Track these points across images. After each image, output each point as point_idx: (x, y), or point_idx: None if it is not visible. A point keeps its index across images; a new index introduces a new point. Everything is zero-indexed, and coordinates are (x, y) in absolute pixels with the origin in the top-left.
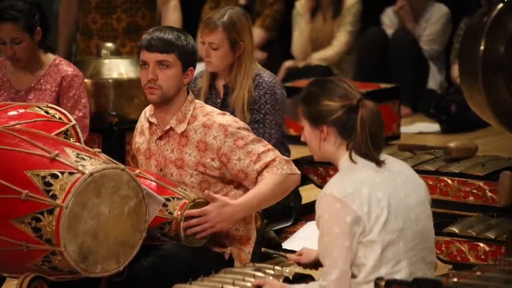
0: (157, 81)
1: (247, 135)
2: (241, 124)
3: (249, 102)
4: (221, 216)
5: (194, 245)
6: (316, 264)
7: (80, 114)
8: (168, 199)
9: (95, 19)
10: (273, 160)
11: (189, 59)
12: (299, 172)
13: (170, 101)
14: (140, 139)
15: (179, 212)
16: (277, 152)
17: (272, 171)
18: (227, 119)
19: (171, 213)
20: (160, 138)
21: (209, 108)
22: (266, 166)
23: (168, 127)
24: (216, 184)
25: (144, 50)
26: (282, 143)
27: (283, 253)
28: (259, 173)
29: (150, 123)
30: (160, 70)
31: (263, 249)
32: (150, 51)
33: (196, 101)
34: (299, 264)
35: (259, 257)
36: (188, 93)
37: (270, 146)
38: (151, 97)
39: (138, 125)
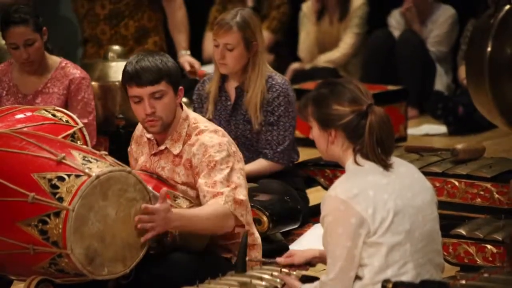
0: (156, 112)
1: (221, 162)
2: (224, 151)
3: (262, 103)
4: (164, 220)
5: (191, 249)
6: (309, 263)
7: (91, 117)
8: None
9: (104, 30)
10: (222, 192)
11: (177, 80)
12: (234, 224)
13: (168, 127)
14: (135, 148)
15: None
16: (233, 192)
17: (217, 200)
18: (213, 140)
19: None
20: (155, 154)
21: (202, 125)
22: (214, 195)
23: (163, 147)
24: None
25: (134, 85)
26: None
27: (271, 260)
28: (205, 196)
29: (148, 138)
30: (156, 101)
31: (247, 259)
32: (141, 85)
33: (191, 116)
34: (291, 266)
35: (242, 266)
36: (182, 108)
37: (233, 184)
38: (153, 129)
39: (136, 133)
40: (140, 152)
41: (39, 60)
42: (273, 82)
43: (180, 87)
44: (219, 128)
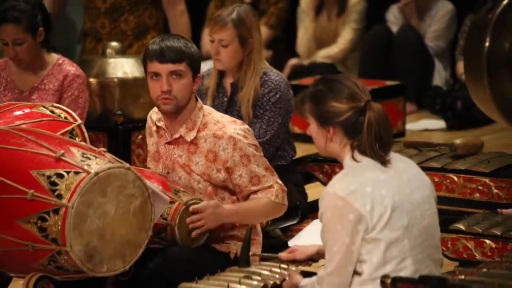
0: (172, 91)
1: (254, 153)
2: (251, 139)
3: (254, 99)
4: (214, 216)
5: (192, 246)
6: (311, 259)
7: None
8: None
9: (104, 24)
10: (271, 186)
11: (197, 66)
12: (287, 204)
13: (181, 110)
14: (149, 141)
15: (173, 217)
16: (276, 178)
17: (267, 195)
18: (238, 132)
19: (165, 219)
20: (169, 142)
21: (218, 115)
22: (263, 189)
23: (177, 135)
24: (223, 192)
25: (156, 61)
26: (288, 141)
27: (273, 254)
28: (254, 192)
29: (158, 127)
30: (173, 80)
31: (251, 253)
32: (163, 61)
33: (205, 107)
34: (293, 261)
35: (245, 261)
36: (196, 99)
37: (272, 171)
38: (165, 107)
39: (147, 129)
40: (151, 143)
41: (29, 60)
42: (267, 79)
43: (199, 75)
44: (233, 118)
